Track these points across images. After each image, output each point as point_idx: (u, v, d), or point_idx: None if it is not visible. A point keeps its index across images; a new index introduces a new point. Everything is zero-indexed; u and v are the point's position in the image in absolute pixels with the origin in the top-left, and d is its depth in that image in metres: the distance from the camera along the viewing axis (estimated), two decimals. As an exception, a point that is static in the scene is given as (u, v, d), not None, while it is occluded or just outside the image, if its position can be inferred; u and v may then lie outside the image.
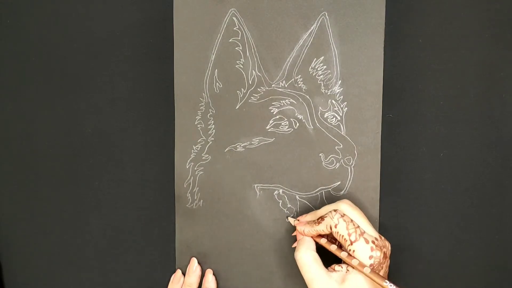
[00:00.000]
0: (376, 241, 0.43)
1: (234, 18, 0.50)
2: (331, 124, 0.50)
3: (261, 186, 0.51)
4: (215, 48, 0.50)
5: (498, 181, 0.51)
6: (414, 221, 0.52)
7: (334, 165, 0.50)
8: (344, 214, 0.44)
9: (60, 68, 0.54)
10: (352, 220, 0.43)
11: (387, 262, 0.43)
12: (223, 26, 0.50)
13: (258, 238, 0.52)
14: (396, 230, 0.52)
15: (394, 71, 0.50)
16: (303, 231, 0.46)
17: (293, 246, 0.49)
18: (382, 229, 0.51)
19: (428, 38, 0.50)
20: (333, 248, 0.44)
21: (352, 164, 0.50)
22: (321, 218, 0.45)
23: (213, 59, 0.50)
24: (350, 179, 0.50)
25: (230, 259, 0.52)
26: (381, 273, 0.42)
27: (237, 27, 0.50)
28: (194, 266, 0.52)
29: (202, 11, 0.50)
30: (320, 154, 0.50)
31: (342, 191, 0.50)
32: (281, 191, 0.51)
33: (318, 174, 0.50)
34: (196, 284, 0.52)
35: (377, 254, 0.42)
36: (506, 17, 0.49)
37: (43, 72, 0.55)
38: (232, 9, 0.50)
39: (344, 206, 0.45)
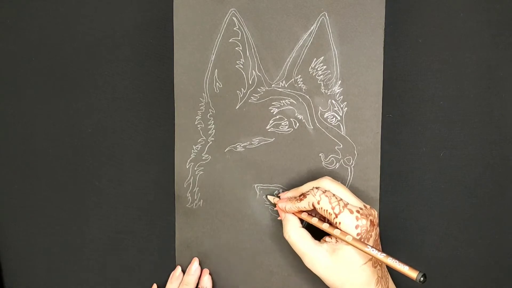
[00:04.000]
0: (361, 210, 0.43)
1: (234, 18, 0.50)
2: (331, 124, 0.50)
3: (261, 186, 0.51)
4: (215, 48, 0.50)
5: (498, 181, 0.51)
6: (414, 221, 0.52)
7: (334, 165, 0.50)
8: (326, 190, 0.44)
9: (60, 68, 0.54)
10: (334, 194, 0.44)
11: (376, 230, 0.44)
12: (223, 26, 0.50)
13: (258, 238, 0.52)
14: (396, 230, 0.52)
15: (394, 71, 0.50)
16: (285, 207, 0.46)
17: (278, 219, 0.49)
18: (382, 229, 0.51)
19: (428, 38, 0.50)
20: (314, 220, 0.45)
21: (352, 164, 0.50)
22: (303, 195, 0.45)
23: (213, 59, 0.50)
24: (350, 179, 0.50)
25: (230, 259, 0.52)
26: (370, 241, 0.43)
27: (237, 27, 0.50)
28: (194, 267, 0.52)
29: (202, 11, 0.50)
30: (320, 154, 0.50)
31: (342, 191, 0.50)
32: (281, 191, 0.51)
33: (318, 174, 0.50)
34: (194, 284, 0.52)
35: (363, 222, 0.42)
36: (506, 17, 0.49)
37: (43, 72, 0.55)
38: (232, 9, 0.50)
39: (326, 181, 0.45)
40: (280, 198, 0.48)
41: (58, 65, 0.54)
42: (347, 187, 0.50)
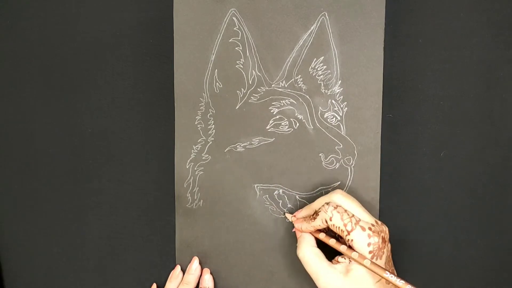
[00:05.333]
0: (372, 227, 0.43)
1: (234, 18, 0.50)
2: (331, 124, 0.50)
3: (261, 186, 0.51)
4: (215, 48, 0.50)
5: (498, 181, 0.51)
6: (414, 221, 0.52)
7: (334, 165, 0.50)
8: (337, 206, 0.43)
9: (60, 68, 0.54)
10: (346, 210, 0.43)
11: (388, 246, 0.43)
12: (223, 26, 0.50)
13: (258, 238, 0.52)
14: (396, 230, 0.52)
15: (394, 71, 0.50)
16: (301, 228, 0.46)
17: (293, 231, 0.49)
18: (382, 229, 0.51)
19: (428, 38, 0.50)
20: (332, 242, 0.44)
21: (352, 164, 0.50)
22: (316, 213, 0.45)
23: (213, 59, 0.50)
24: (350, 179, 0.50)
25: (230, 259, 0.52)
26: (383, 258, 0.42)
27: (237, 27, 0.50)
28: (194, 266, 0.52)
29: (202, 11, 0.50)
30: (320, 154, 0.50)
31: (342, 191, 0.50)
32: (281, 191, 0.51)
33: (318, 174, 0.50)
34: (194, 283, 0.52)
35: (375, 240, 0.42)
36: (506, 17, 0.49)
37: (43, 72, 0.55)
38: (232, 9, 0.50)
39: (337, 196, 0.45)
40: (296, 217, 0.48)
41: (58, 65, 0.54)
42: (347, 187, 0.50)
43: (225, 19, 0.50)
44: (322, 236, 0.45)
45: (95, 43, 0.54)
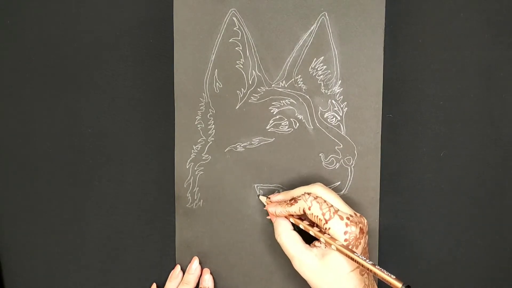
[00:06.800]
0: (351, 217, 0.43)
1: (234, 18, 0.50)
2: (331, 124, 0.50)
3: (261, 186, 0.51)
4: (215, 48, 0.50)
5: (498, 181, 0.51)
6: (414, 221, 0.52)
7: (334, 165, 0.50)
8: (317, 196, 0.44)
9: (60, 68, 0.54)
10: (325, 201, 0.44)
11: (365, 237, 0.44)
12: (223, 26, 0.50)
13: (258, 238, 0.52)
14: (396, 230, 0.52)
15: (394, 71, 0.50)
16: (275, 212, 0.47)
17: (267, 218, 0.50)
18: (382, 229, 0.51)
19: (428, 38, 0.50)
20: (304, 224, 0.45)
21: (352, 164, 0.50)
22: (294, 200, 0.45)
23: (213, 59, 0.50)
24: (350, 179, 0.50)
25: (230, 259, 0.52)
26: (359, 248, 0.43)
27: (237, 27, 0.50)
28: (194, 266, 0.52)
29: (202, 11, 0.50)
30: (320, 154, 0.50)
31: (342, 191, 0.50)
32: (281, 191, 0.51)
33: (318, 174, 0.50)
34: (194, 283, 0.52)
35: (352, 229, 0.42)
36: (506, 17, 0.49)
37: (43, 72, 0.55)
38: (232, 9, 0.50)
39: (318, 188, 0.46)
40: (271, 200, 0.48)
41: (58, 65, 0.54)
42: (347, 187, 0.50)
43: (225, 19, 0.50)
44: (293, 218, 0.46)
45: (95, 43, 0.54)
